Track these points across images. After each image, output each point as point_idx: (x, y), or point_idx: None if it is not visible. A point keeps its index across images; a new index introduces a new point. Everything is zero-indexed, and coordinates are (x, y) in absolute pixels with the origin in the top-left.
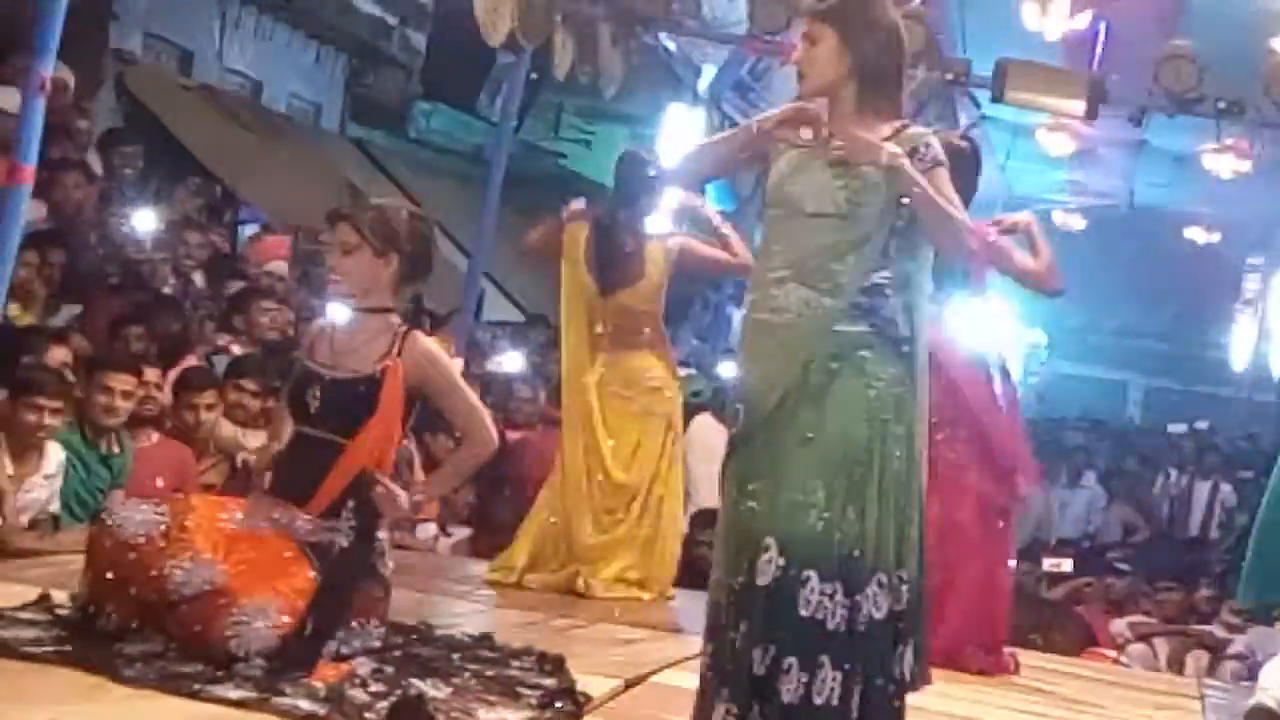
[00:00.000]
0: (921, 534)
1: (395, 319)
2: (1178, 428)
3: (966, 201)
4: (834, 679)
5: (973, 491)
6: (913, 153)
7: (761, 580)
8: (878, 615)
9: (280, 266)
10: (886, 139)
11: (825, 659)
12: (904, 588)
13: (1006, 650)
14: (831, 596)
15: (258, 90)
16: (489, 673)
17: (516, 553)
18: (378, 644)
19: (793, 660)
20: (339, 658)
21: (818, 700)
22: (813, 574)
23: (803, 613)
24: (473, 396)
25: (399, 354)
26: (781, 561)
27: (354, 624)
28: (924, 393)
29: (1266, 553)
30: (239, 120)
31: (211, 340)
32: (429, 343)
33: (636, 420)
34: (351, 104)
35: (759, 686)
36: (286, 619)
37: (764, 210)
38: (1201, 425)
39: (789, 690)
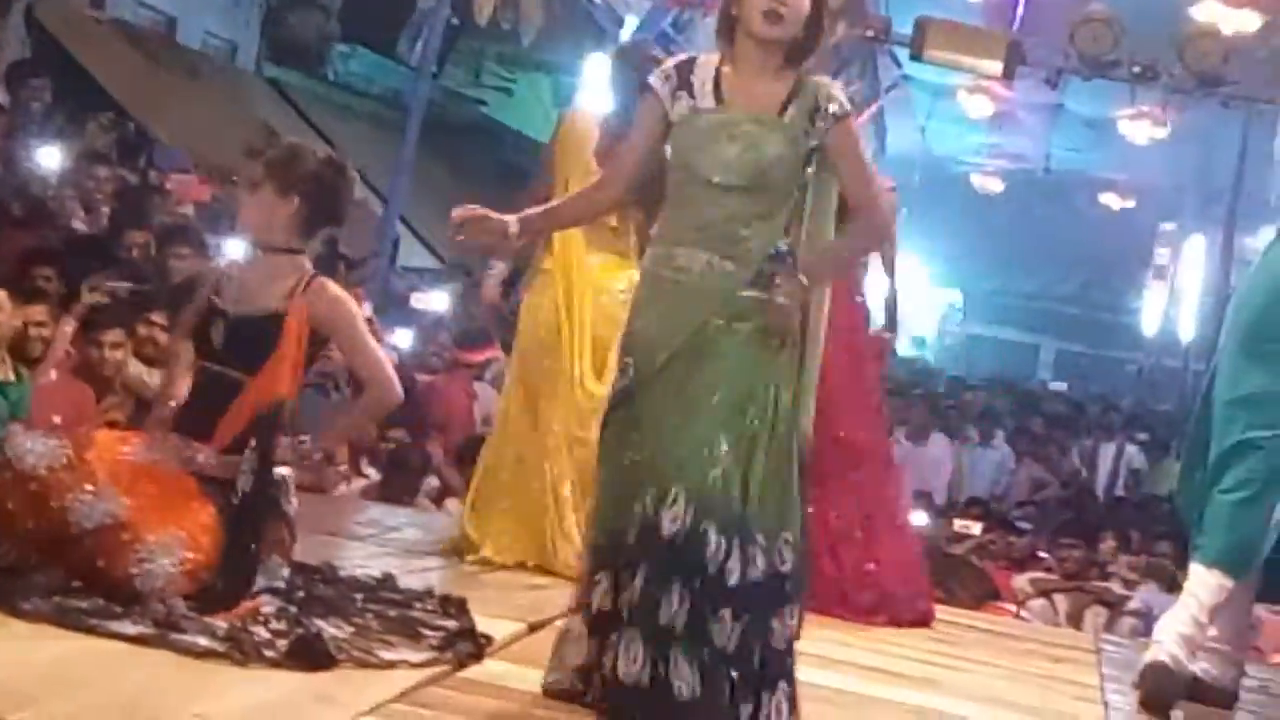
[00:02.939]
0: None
1: (303, 260)
2: (1089, 390)
3: None
4: (733, 629)
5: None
6: (814, 110)
7: (666, 532)
8: (754, 575)
9: (189, 209)
10: (783, 103)
11: (727, 611)
12: (787, 550)
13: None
14: (729, 551)
15: (172, 27)
16: (391, 614)
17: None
18: (281, 583)
19: (701, 609)
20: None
21: (720, 645)
22: (711, 528)
23: (709, 569)
24: (375, 346)
25: (304, 293)
26: (688, 515)
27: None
28: (815, 363)
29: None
30: (152, 57)
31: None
32: (334, 288)
33: None
34: (268, 44)
35: (664, 633)
36: (190, 556)
37: (668, 172)
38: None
39: (696, 636)
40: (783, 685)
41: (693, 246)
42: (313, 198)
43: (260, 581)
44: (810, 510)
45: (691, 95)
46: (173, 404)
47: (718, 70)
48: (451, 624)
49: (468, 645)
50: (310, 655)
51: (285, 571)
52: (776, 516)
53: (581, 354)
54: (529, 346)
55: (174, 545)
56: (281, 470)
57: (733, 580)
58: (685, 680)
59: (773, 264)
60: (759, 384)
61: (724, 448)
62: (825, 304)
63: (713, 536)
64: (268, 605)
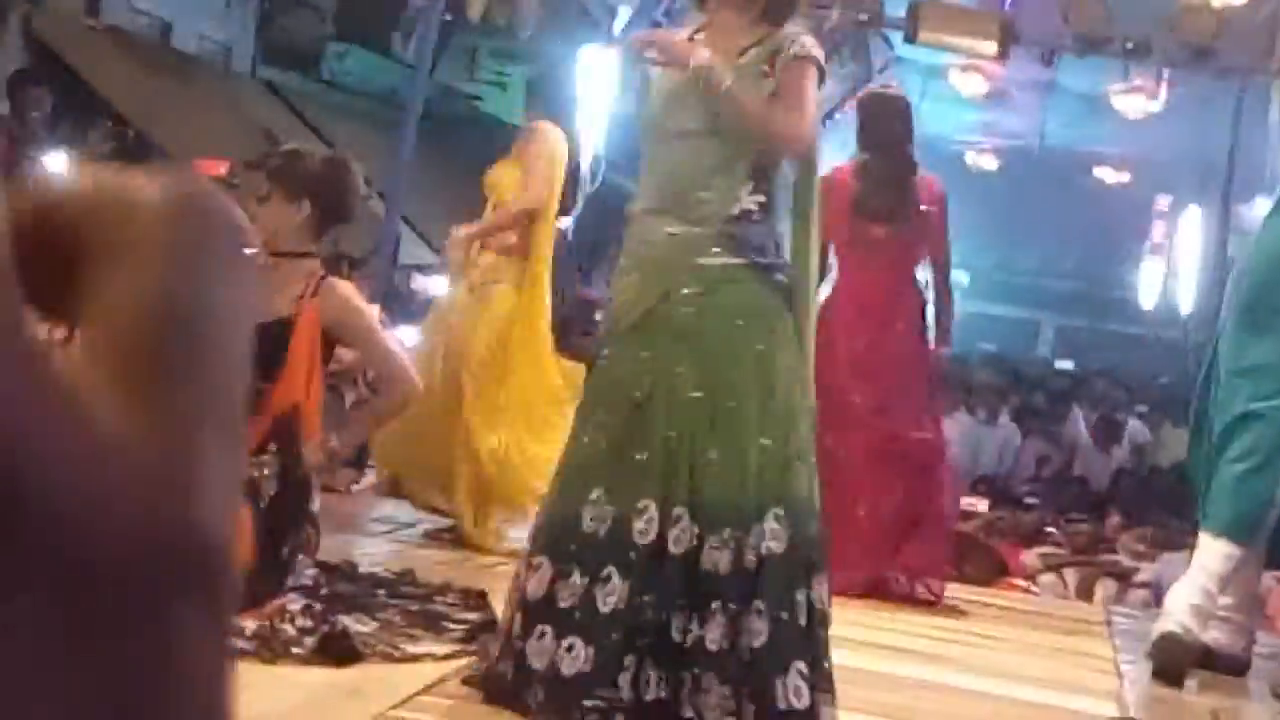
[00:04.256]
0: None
1: (314, 264)
2: (1090, 365)
3: (906, 144)
4: (721, 621)
5: (874, 434)
6: (776, 52)
7: (642, 540)
8: (776, 549)
9: None
10: (746, 47)
11: (716, 605)
12: (806, 517)
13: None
14: (716, 545)
15: (167, 31)
16: (413, 608)
17: None
18: (309, 582)
19: (680, 606)
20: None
21: (711, 647)
22: (689, 520)
23: (703, 568)
24: (390, 342)
25: (314, 296)
26: (658, 515)
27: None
28: (812, 317)
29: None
30: (148, 62)
31: None
32: (345, 288)
33: None
34: (263, 46)
35: (676, 650)
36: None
37: (640, 132)
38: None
39: (680, 633)
40: (798, 666)
41: (657, 213)
42: (322, 198)
43: (287, 581)
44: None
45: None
46: None
47: (692, 35)
48: (473, 616)
49: (490, 636)
50: (338, 651)
51: (311, 571)
52: (788, 488)
53: None
54: None
55: None
56: (306, 471)
57: (724, 570)
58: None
59: (737, 225)
60: (727, 362)
61: (714, 451)
62: (815, 278)
63: (688, 527)
64: (294, 603)
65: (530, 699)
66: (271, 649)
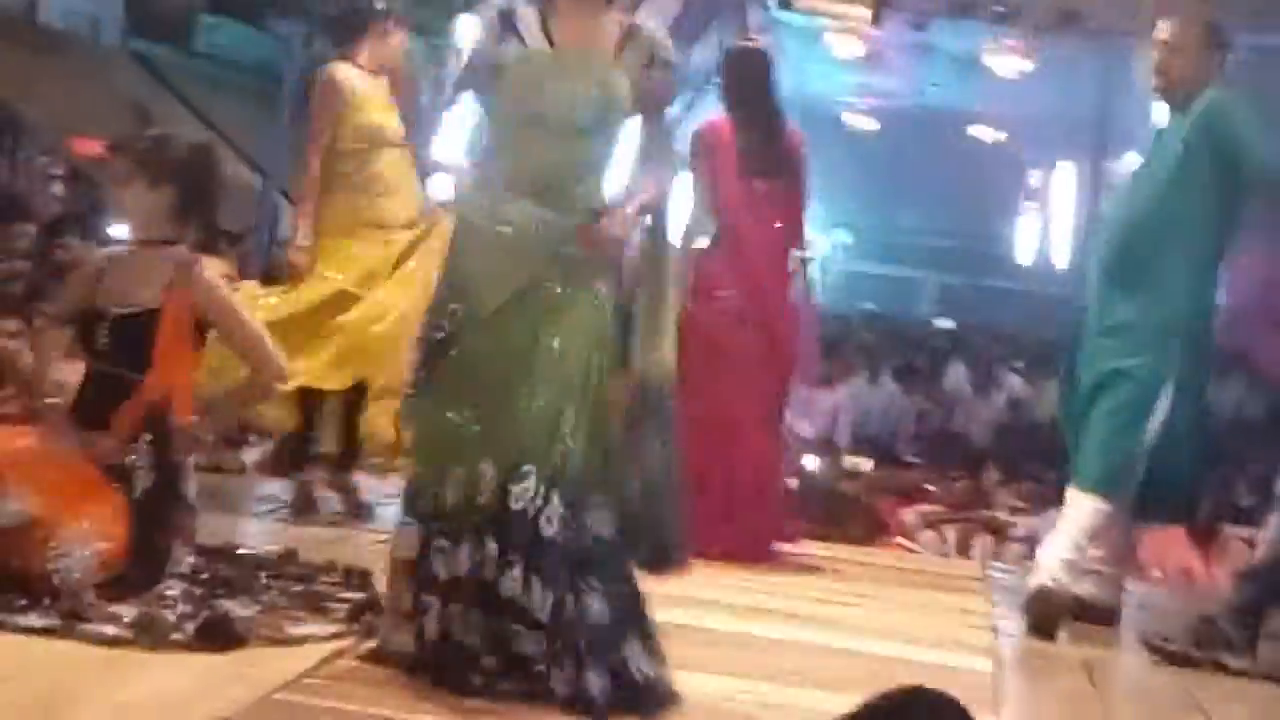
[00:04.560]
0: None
1: (180, 250)
2: (970, 321)
3: (772, 97)
4: (571, 596)
5: (757, 386)
6: (650, 61)
7: (516, 504)
8: (606, 533)
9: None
10: (619, 44)
11: (565, 575)
12: (608, 513)
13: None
14: (565, 518)
15: (32, 6)
16: (295, 589)
17: None
18: (185, 568)
19: (538, 578)
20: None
21: (567, 615)
22: (555, 496)
23: (545, 534)
24: (256, 324)
25: (182, 283)
26: (531, 487)
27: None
28: (671, 314)
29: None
30: (13, 37)
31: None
32: (209, 274)
33: None
34: (131, 17)
35: (503, 605)
36: (104, 545)
37: (495, 113)
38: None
39: (539, 609)
40: (638, 634)
41: (521, 198)
42: (185, 186)
43: (166, 569)
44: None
45: (521, 40)
46: (52, 396)
47: (541, 14)
48: (357, 595)
49: (373, 616)
50: (220, 635)
51: (190, 558)
52: (605, 473)
53: None
54: None
55: (88, 536)
56: (180, 458)
57: (569, 545)
58: (528, 647)
59: (596, 217)
60: (586, 347)
61: (570, 422)
62: (671, 256)
63: (558, 507)
64: (171, 589)
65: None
66: (151, 635)
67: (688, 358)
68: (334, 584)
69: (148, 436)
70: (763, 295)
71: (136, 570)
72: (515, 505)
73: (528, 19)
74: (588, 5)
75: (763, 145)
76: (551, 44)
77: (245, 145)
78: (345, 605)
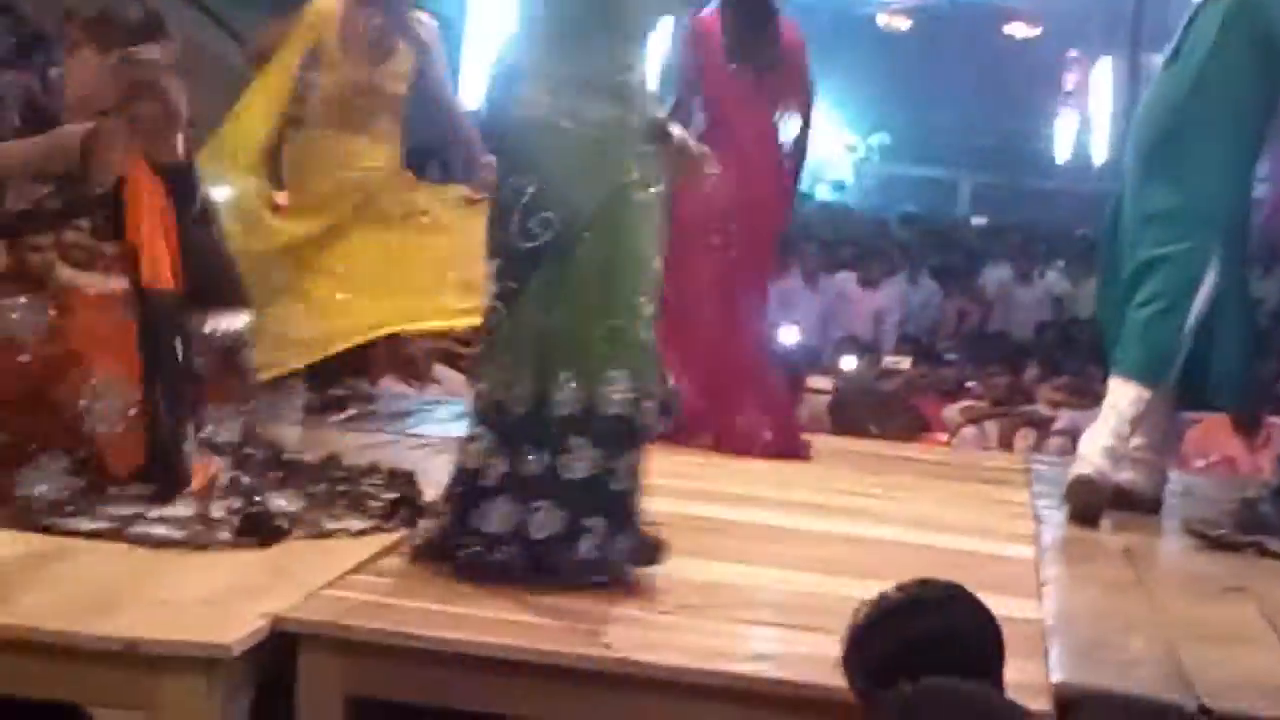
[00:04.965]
0: None
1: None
2: (1008, 220)
3: None
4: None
5: (741, 278)
6: None
7: (614, 410)
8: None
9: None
10: None
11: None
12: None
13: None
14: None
15: None
16: (340, 488)
17: None
18: (233, 437)
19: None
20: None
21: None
22: (651, 404)
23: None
24: None
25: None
26: (632, 392)
27: (211, 409)
28: None
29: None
30: None
31: None
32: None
33: None
34: None
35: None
36: (133, 401)
37: (562, 13)
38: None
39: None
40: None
41: (598, 98)
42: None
43: (218, 436)
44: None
45: None
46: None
47: None
48: (394, 494)
49: (407, 512)
50: (260, 530)
51: (239, 423)
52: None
53: None
54: None
55: (124, 386)
56: (235, 322)
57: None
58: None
59: (654, 106)
60: (654, 245)
61: (645, 315)
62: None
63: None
64: (223, 475)
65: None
66: (199, 540)
67: (673, 246)
68: (377, 484)
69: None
70: (751, 187)
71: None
72: (610, 410)
73: None
74: None
75: (752, 35)
76: None
77: (229, 14)
78: (381, 503)
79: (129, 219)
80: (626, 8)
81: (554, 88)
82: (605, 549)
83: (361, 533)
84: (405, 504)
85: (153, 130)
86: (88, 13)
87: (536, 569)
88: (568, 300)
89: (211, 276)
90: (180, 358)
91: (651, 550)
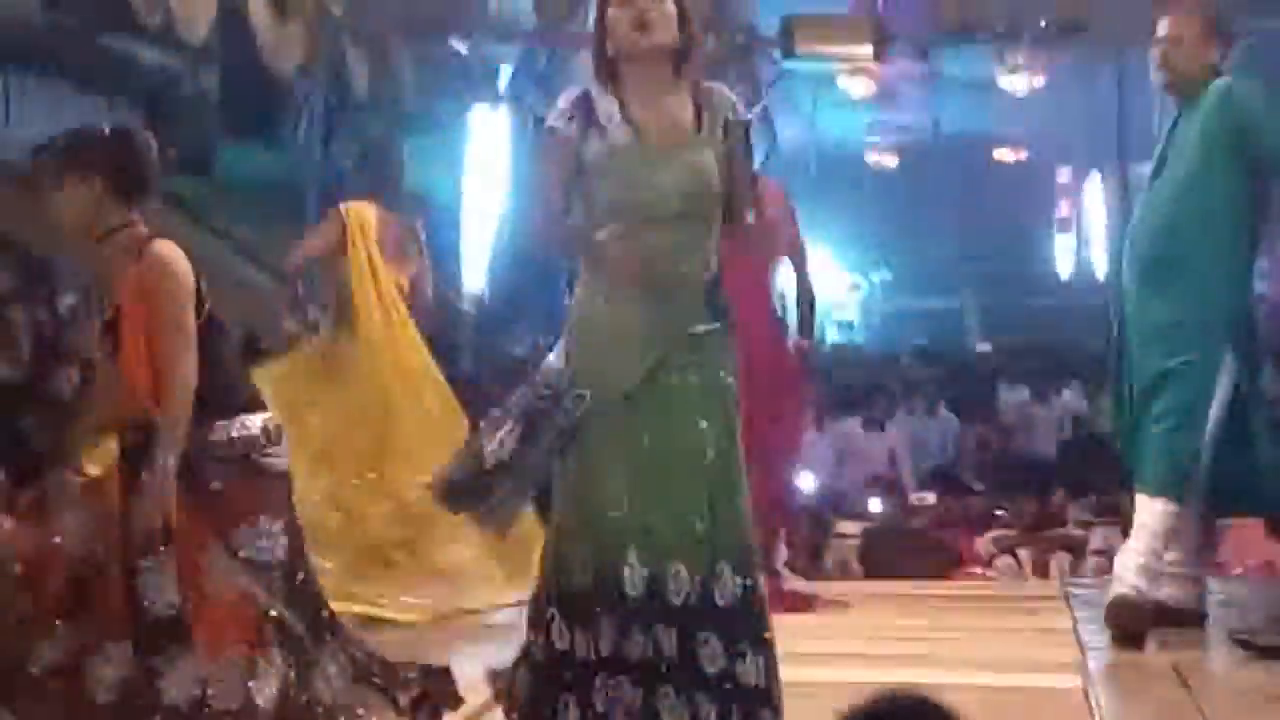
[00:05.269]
0: None
1: (135, 231)
2: (1018, 344)
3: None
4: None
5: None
6: (726, 123)
7: (676, 600)
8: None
9: None
10: (695, 115)
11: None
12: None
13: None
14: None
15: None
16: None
17: None
18: (282, 552)
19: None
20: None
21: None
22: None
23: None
24: (182, 343)
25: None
26: (684, 574)
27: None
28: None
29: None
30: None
31: None
32: (169, 252)
33: None
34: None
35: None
36: None
37: (592, 215)
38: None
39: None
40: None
41: (632, 287)
42: (114, 170)
43: (256, 551)
44: None
45: (601, 132)
46: None
47: (620, 101)
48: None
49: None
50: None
51: (281, 532)
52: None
53: None
54: None
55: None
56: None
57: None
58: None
59: (710, 291)
60: (715, 423)
61: (704, 509)
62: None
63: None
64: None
65: None
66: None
67: None
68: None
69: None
70: (748, 344)
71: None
72: (674, 600)
73: (605, 106)
74: (655, 80)
75: None
76: (635, 130)
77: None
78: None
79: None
80: (648, 201)
81: (595, 285)
82: None
83: None
84: (432, 698)
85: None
86: (60, 143)
87: None
88: (616, 479)
89: (216, 380)
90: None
91: None
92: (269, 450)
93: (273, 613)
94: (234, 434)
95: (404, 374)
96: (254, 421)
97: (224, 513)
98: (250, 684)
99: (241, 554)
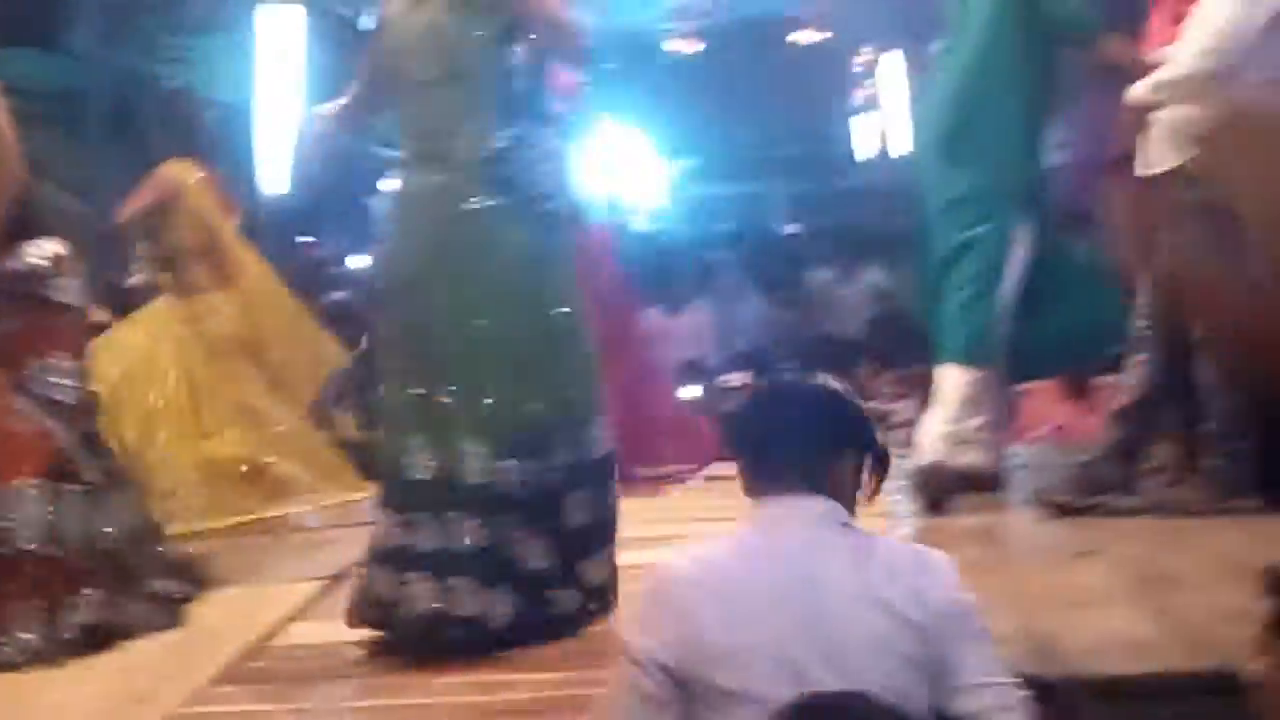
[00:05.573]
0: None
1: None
2: (824, 225)
3: None
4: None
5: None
6: None
7: (472, 479)
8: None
9: None
10: None
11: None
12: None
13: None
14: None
15: None
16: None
17: None
18: (73, 396)
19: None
20: None
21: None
22: (513, 462)
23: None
24: None
25: None
26: (485, 456)
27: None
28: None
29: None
30: None
31: None
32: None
33: None
34: None
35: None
36: None
37: (375, 81)
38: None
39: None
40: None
41: (412, 160)
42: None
43: (37, 386)
44: None
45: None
46: None
47: None
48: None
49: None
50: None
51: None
52: (582, 411)
53: None
54: None
55: None
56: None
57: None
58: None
59: (493, 166)
60: (513, 304)
61: (502, 386)
62: None
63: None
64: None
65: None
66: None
67: None
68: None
69: None
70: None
71: None
72: (470, 479)
73: None
74: None
75: None
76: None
77: (61, 178)
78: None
79: None
80: (412, 63)
81: (400, 153)
82: None
83: None
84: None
85: None
86: None
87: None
88: (413, 366)
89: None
90: None
91: None
92: (57, 281)
93: (66, 449)
94: (20, 266)
95: (276, 312)
96: (42, 249)
97: (13, 349)
98: (50, 510)
99: (34, 389)
